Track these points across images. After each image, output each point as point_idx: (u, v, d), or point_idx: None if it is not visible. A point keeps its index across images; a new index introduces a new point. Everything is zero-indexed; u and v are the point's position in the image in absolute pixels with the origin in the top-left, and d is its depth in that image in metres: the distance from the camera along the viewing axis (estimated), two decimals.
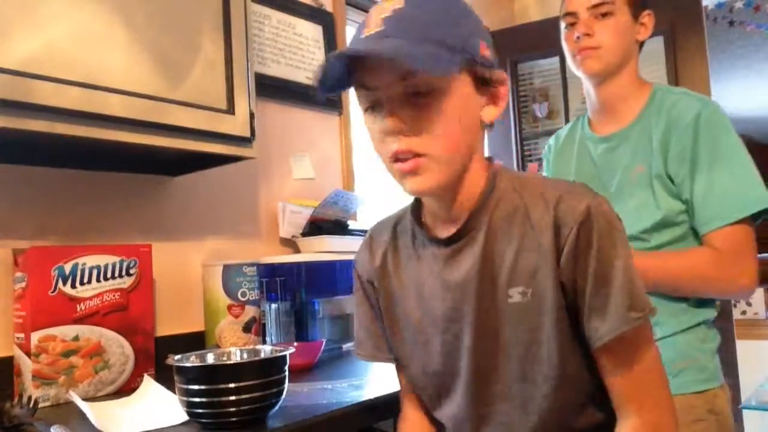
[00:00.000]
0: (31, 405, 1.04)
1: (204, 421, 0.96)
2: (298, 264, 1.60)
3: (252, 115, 1.34)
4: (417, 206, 0.90)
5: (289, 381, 1.01)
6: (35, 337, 1.16)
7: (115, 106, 1.11)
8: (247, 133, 1.33)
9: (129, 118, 1.13)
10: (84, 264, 1.24)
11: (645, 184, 1.22)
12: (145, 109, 1.15)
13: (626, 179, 1.25)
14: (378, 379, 1.28)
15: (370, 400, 1.10)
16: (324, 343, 1.50)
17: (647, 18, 1.34)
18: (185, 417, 0.98)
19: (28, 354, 1.16)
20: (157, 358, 1.32)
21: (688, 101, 1.23)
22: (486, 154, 0.88)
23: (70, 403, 1.14)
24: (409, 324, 0.90)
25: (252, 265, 1.53)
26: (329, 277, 1.64)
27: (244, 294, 1.50)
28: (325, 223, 1.77)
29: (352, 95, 2.14)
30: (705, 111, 1.19)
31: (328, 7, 2.06)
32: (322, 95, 0.87)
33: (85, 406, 1.03)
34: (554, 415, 0.79)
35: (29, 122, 1.01)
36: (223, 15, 1.31)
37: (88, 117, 1.08)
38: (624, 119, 1.30)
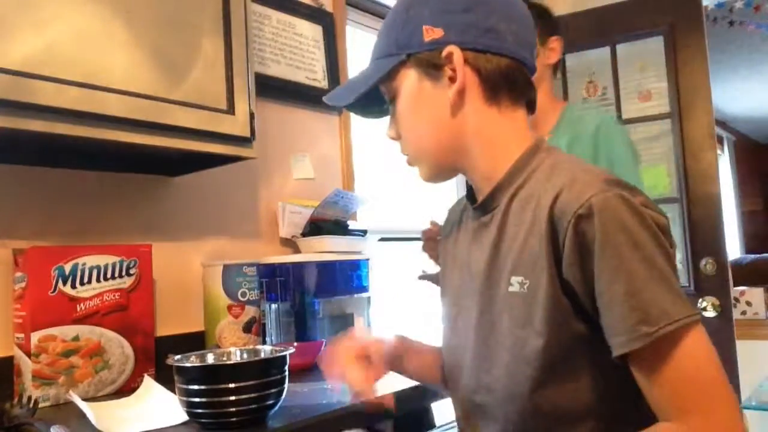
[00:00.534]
0: (31, 405, 1.04)
1: (204, 421, 0.96)
2: (298, 264, 1.60)
3: (252, 115, 1.34)
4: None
5: (289, 381, 1.01)
6: (35, 337, 1.16)
7: (115, 106, 1.11)
8: (247, 133, 1.33)
9: (129, 118, 1.13)
10: (84, 264, 1.24)
11: None
12: (145, 109, 1.15)
13: None
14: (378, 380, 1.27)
15: (370, 400, 1.10)
16: (324, 343, 1.50)
17: (555, 43, 1.47)
18: (185, 417, 0.98)
19: (28, 354, 1.16)
20: (157, 358, 1.32)
21: (590, 115, 1.40)
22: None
23: (70, 403, 1.14)
24: (450, 296, 0.92)
25: (252, 265, 1.53)
26: (329, 277, 1.64)
27: (244, 294, 1.50)
28: (325, 223, 1.76)
29: None
30: (603, 124, 1.36)
31: (328, 7, 2.06)
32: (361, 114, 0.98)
33: (85, 406, 1.03)
34: (538, 417, 0.73)
35: (29, 122, 1.01)
36: (223, 15, 1.31)
37: (88, 117, 1.08)
38: (542, 133, 1.41)
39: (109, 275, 1.27)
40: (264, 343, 1.55)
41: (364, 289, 1.72)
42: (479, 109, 0.80)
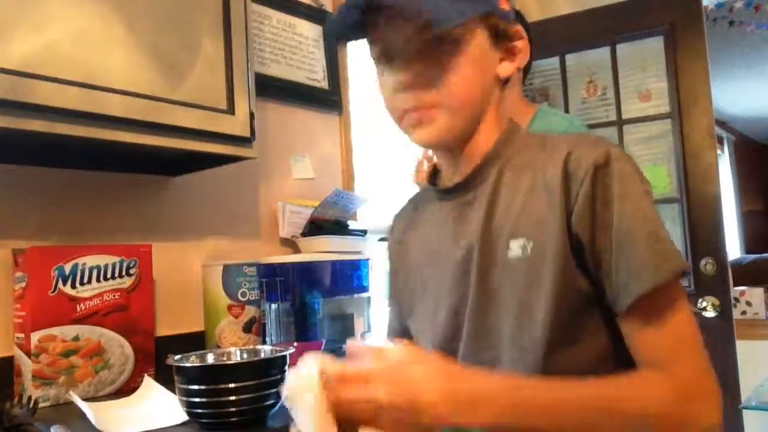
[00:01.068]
0: (31, 405, 1.05)
1: (204, 421, 0.96)
2: (298, 264, 1.60)
3: (252, 115, 1.34)
4: (434, 172, 0.90)
5: None
6: (35, 337, 1.16)
7: (115, 106, 1.11)
8: (247, 133, 1.33)
9: (129, 118, 1.13)
10: (84, 264, 1.24)
11: None
12: (145, 109, 1.15)
13: None
14: None
15: None
16: (324, 343, 1.50)
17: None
18: (185, 417, 0.99)
19: (28, 354, 1.16)
20: (157, 358, 1.32)
21: (559, 120, 1.41)
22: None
23: (70, 403, 1.14)
24: (424, 292, 0.87)
25: (252, 265, 1.53)
26: (329, 277, 1.64)
27: (244, 294, 1.50)
28: (325, 223, 1.76)
29: (352, 96, 2.15)
30: (572, 127, 1.36)
31: (328, 7, 2.06)
32: (335, 43, 0.84)
33: (85, 406, 1.03)
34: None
35: (29, 122, 1.01)
36: (223, 15, 1.31)
37: (88, 117, 1.08)
38: None
39: (109, 275, 1.27)
40: (264, 343, 1.55)
41: (364, 289, 1.72)
42: (511, 89, 0.82)
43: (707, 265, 2.27)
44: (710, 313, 2.24)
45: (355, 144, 2.10)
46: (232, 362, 1.06)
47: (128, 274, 1.30)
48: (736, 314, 2.74)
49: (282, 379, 0.99)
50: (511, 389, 0.65)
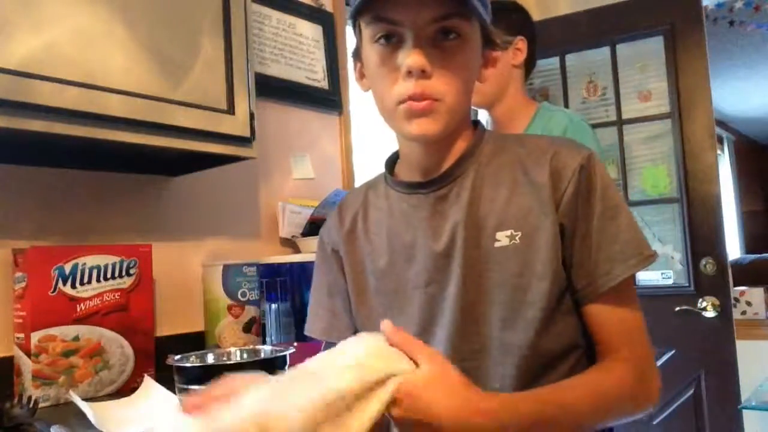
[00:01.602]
0: (31, 405, 1.05)
1: None
2: (298, 264, 1.60)
3: (252, 115, 1.34)
4: (392, 164, 0.90)
5: None
6: (35, 337, 1.16)
7: (115, 106, 1.11)
8: (247, 133, 1.33)
9: (129, 118, 1.13)
10: (84, 264, 1.24)
11: None
12: (145, 109, 1.15)
13: None
14: None
15: None
16: (324, 343, 1.50)
17: (521, 43, 1.50)
18: None
19: (28, 354, 1.16)
20: (157, 358, 1.32)
21: (560, 116, 1.43)
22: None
23: (70, 403, 1.14)
24: (382, 287, 0.86)
25: (252, 265, 1.53)
26: None
27: (244, 294, 1.50)
28: None
29: (352, 96, 2.14)
30: (571, 124, 1.39)
31: (328, 7, 2.06)
32: (355, 16, 0.83)
33: (85, 406, 1.03)
34: (532, 364, 0.76)
35: (29, 122, 1.01)
36: (223, 15, 1.31)
37: (88, 117, 1.08)
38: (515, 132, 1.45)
39: (109, 275, 1.27)
40: (264, 343, 1.55)
41: None
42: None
43: (707, 265, 2.27)
44: (710, 313, 2.24)
45: (355, 144, 2.10)
46: (232, 362, 1.06)
47: (128, 274, 1.30)
48: (736, 314, 2.74)
49: None
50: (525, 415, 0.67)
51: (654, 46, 2.41)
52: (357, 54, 0.84)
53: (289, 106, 1.90)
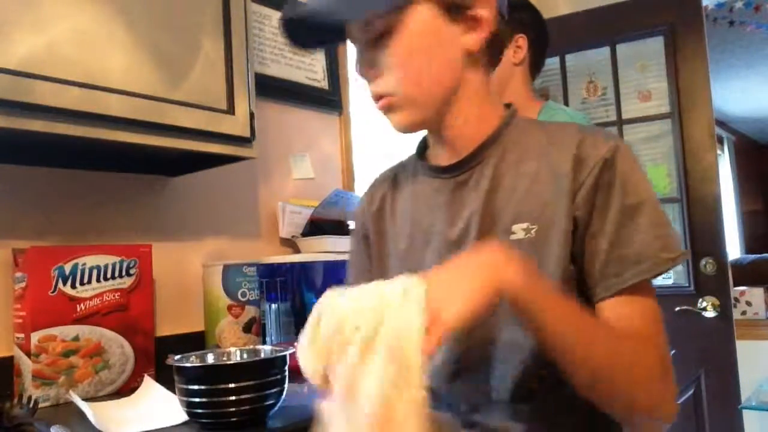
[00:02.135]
0: (31, 405, 1.05)
1: (204, 421, 0.96)
2: (298, 264, 1.60)
3: (252, 115, 1.34)
4: (423, 144, 0.89)
5: (289, 381, 1.01)
6: (35, 337, 1.16)
7: (115, 106, 1.11)
8: (247, 133, 1.33)
9: (129, 118, 1.13)
10: (84, 264, 1.24)
11: None
12: (145, 109, 1.15)
13: None
14: None
15: None
16: None
17: (522, 41, 1.48)
18: (185, 417, 0.99)
19: (28, 354, 1.16)
20: (157, 358, 1.32)
21: (560, 115, 1.40)
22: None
23: (70, 403, 1.14)
24: (403, 270, 0.83)
25: (252, 265, 1.53)
26: (329, 277, 1.64)
27: (244, 294, 1.50)
28: (325, 223, 1.76)
29: (352, 96, 2.14)
30: (574, 121, 1.34)
31: None
32: (307, 48, 0.86)
33: (85, 406, 1.03)
34: (538, 363, 0.73)
35: (29, 122, 1.01)
36: (223, 15, 1.31)
37: (88, 117, 1.08)
38: None
39: (109, 275, 1.27)
40: (264, 343, 1.55)
41: None
42: (486, 64, 0.81)
43: (707, 265, 2.27)
44: (710, 313, 2.24)
45: (355, 144, 2.10)
46: (232, 362, 1.06)
47: (128, 274, 1.30)
48: (736, 314, 2.74)
49: (282, 380, 0.99)
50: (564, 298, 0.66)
51: (654, 46, 2.41)
52: None
53: (289, 106, 1.90)
